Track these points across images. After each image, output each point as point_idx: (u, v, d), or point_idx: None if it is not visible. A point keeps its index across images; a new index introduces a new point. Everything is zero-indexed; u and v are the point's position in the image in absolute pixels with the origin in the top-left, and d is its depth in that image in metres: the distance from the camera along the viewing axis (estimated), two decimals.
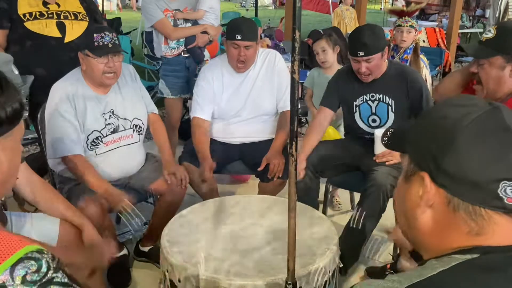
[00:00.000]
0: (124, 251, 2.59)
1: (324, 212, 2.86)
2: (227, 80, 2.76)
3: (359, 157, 2.61)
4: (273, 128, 2.83)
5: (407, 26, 3.40)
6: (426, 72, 3.45)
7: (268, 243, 1.81)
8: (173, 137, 3.54)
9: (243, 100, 2.76)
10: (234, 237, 1.86)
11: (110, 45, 2.25)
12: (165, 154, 2.57)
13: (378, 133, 2.48)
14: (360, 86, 2.58)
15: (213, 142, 2.76)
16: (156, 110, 2.68)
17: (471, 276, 0.72)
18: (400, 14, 3.54)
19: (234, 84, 2.76)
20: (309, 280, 1.61)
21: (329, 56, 3.29)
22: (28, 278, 0.81)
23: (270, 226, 1.94)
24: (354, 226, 2.38)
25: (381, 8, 16.94)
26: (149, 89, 5.08)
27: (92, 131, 2.35)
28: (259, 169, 2.64)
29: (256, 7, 9.91)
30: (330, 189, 2.97)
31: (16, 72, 1.82)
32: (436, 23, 8.74)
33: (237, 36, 2.58)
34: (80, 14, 2.88)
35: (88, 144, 2.36)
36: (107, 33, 2.26)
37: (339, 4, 7.59)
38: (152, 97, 3.03)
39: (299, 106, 2.40)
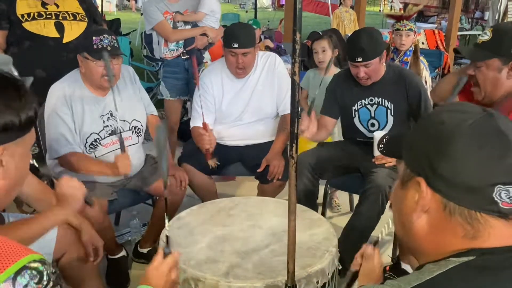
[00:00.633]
0: (123, 253, 2.58)
1: (323, 213, 2.85)
2: (227, 85, 2.76)
3: (358, 159, 2.61)
4: (273, 130, 2.83)
5: (405, 29, 3.40)
6: (426, 74, 3.46)
7: (267, 245, 1.80)
8: (172, 139, 3.54)
9: (244, 104, 2.76)
10: (233, 239, 1.86)
11: (109, 48, 2.24)
12: None
13: (377, 135, 2.48)
14: (358, 90, 2.58)
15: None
16: (155, 112, 2.67)
17: (468, 278, 0.73)
18: (398, 18, 3.55)
19: (235, 89, 2.76)
20: (308, 282, 1.61)
21: (327, 56, 3.29)
22: None
23: (269, 228, 1.93)
24: (353, 223, 2.38)
25: (380, 10, 16.96)
26: (148, 90, 5.07)
27: (90, 134, 2.35)
28: (258, 170, 2.63)
29: (255, 8, 9.92)
30: (329, 191, 2.96)
31: (16, 73, 1.82)
32: (435, 25, 8.76)
33: (233, 44, 2.57)
34: (79, 15, 2.87)
35: (86, 147, 2.35)
36: (106, 35, 2.25)
37: (339, 6, 7.60)
38: (151, 99, 3.03)
39: (299, 108, 2.39)
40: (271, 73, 2.77)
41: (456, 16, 6.97)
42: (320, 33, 5.94)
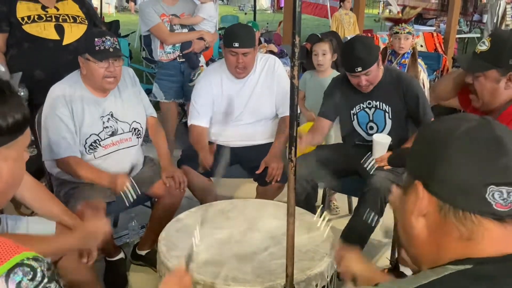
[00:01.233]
0: (121, 255, 2.57)
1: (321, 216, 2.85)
2: (226, 85, 2.76)
3: (357, 161, 2.61)
4: (272, 131, 2.83)
5: (404, 33, 3.41)
6: (424, 76, 3.46)
7: (266, 248, 1.80)
8: (169, 140, 3.53)
9: (242, 105, 2.76)
10: (232, 241, 1.85)
11: (111, 49, 2.24)
12: (164, 157, 2.57)
13: (376, 137, 2.48)
14: (356, 94, 2.58)
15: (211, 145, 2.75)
16: (154, 114, 2.67)
17: (463, 286, 0.73)
18: (396, 21, 3.55)
19: (234, 90, 2.76)
20: (307, 285, 1.60)
21: (327, 60, 3.30)
22: (23, 285, 0.80)
23: (268, 230, 1.93)
24: (352, 225, 2.39)
25: (378, 13, 16.98)
26: (147, 92, 5.05)
27: (90, 135, 2.34)
28: (257, 172, 2.63)
29: (254, 10, 9.91)
30: (328, 194, 2.96)
31: (3, 69, 1.81)
32: (433, 28, 8.76)
33: (234, 44, 2.57)
34: (79, 18, 2.88)
35: (86, 148, 2.35)
36: (108, 37, 2.25)
37: (338, 9, 7.61)
38: (150, 100, 3.03)
39: (298, 111, 2.39)
40: (270, 75, 2.77)
41: (454, 19, 6.98)
42: (319, 35, 5.95)
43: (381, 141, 2.43)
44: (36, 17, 2.73)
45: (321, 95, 2.76)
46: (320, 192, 2.79)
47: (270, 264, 1.69)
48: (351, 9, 7.56)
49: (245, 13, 13.96)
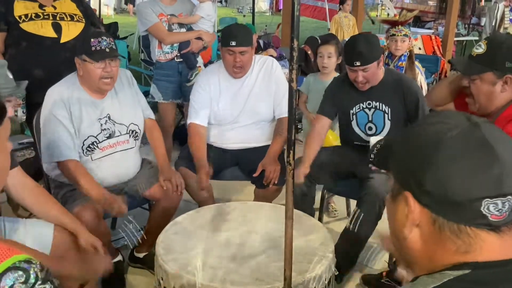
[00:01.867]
0: (119, 257, 2.57)
1: (320, 219, 2.85)
2: (224, 86, 2.76)
3: (355, 164, 2.61)
4: (269, 134, 2.83)
5: (401, 35, 3.41)
6: (421, 79, 3.47)
7: (264, 250, 1.80)
8: (167, 142, 3.52)
9: (240, 106, 2.76)
10: (230, 244, 1.85)
11: (107, 49, 2.24)
12: (161, 160, 2.56)
13: (374, 140, 2.47)
14: (356, 94, 2.59)
15: (209, 147, 2.75)
16: (152, 115, 2.67)
17: None
18: (393, 23, 3.56)
19: (231, 91, 2.76)
20: None
21: (332, 62, 3.30)
22: None
23: (266, 233, 1.93)
24: (351, 228, 2.38)
25: (377, 15, 17.00)
26: (146, 94, 5.04)
27: (88, 137, 2.34)
28: (254, 175, 2.63)
29: (253, 13, 9.94)
30: (326, 196, 2.96)
31: (11, 76, 1.82)
32: (432, 31, 8.78)
33: (231, 43, 2.58)
34: (77, 16, 2.88)
35: (83, 150, 2.34)
36: (104, 37, 2.25)
37: (338, 12, 7.62)
38: (148, 102, 3.02)
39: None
40: (267, 77, 2.77)
41: (452, 22, 7.00)
42: (318, 37, 5.96)
43: None
44: (33, 15, 2.74)
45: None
46: (318, 194, 2.79)
47: (268, 267, 1.68)
48: (350, 12, 7.57)
49: (244, 15, 13.97)
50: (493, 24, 6.06)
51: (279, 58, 5.59)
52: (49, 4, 2.81)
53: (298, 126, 4.90)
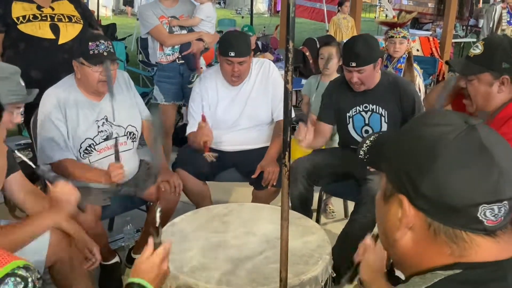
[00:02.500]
0: (116, 259, 2.56)
1: (317, 220, 2.85)
2: (222, 91, 2.76)
3: (353, 165, 2.60)
4: (268, 136, 2.83)
5: (399, 37, 3.42)
6: (419, 81, 3.47)
7: (261, 252, 1.80)
8: (166, 143, 3.53)
9: (239, 111, 2.76)
10: (227, 246, 1.85)
11: (105, 53, 2.24)
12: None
13: None
14: (353, 97, 2.59)
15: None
16: (150, 117, 2.66)
17: None
18: (392, 25, 3.57)
19: (229, 96, 2.76)
20: None
21: (333, 64, 3.30)
22: None
23: (263, 234, 1.93)
24: (349, 230, 2.39)
25: (375, 17, 17.03)
26: (144, 95, 5.06)
27: (85, 139, 2.34)
28: (253, 176, 2.63)
29: (251, 14, 9.93)
30: (324, 197, 2.96)
31: (23, 83, 1.83)
32: (430, 33, 8.79)
33: (230, 53, 2.58)
34: (74, 17, 2.88)
35: (81, 152, 2.34)
36: (102, 41, 2.25)
37: (337, 13, 7.63)
38: (146, 103, 3.03)
39: (292, 116, 2.39)
40: (265, 80, 2.77)
41: (450, 24, 7.00)
42: (316, 39, 5.97)
43: None
44: (31, 16, 2.73)
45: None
46: (316, 196, 2.79)
47: (265, 268, 1.68)
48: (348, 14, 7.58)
49: (242, 17, 13.96)
50: (491, 25, 6.07)
51: (277, 60, 5.60)
52: (47, 5, 2.81)
53: (296, 127, 4.91)
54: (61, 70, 2.48)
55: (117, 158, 2.27)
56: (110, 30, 7.65)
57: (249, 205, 2.30)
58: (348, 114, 2.63)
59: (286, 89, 1.03)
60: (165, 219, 2.36)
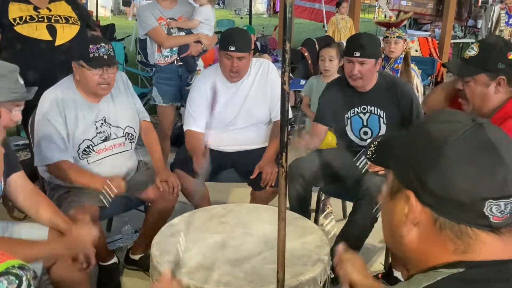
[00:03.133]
0: (114, 259, 2.56)
1: (316, 221, 2.85)
2: (220, 89, 2.76)
3: (352, 166, 2.61)
4: (266, 136, 2.83)
5: (394, 37, 3.43)
6: (417, 82, 3.47)
7: (259, 252, 1.80)
8: (165, 144, 3.53)
9: (237, 109, 2.76)
10: (225, 246, 1.85)
11: (105, 56, 2.24)
12: (157, 162, 2.56)
13: None
14: (351, 99, 2.59)
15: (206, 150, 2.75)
16: (148, 118, 2.67)
17: None
18: (387, 25, 3.57)
19: (228, 94, 2.76)
20: None
21: (334, 65, 3.31)
22: None
23: (261, 235, 1.93)
24: (347, 230, 2.40)
25: (374, 17, 17.04)
26: (142, 95, 5.07)
27: (83, 140, 2.34)
28: (251, 177, 2.63)
29: (250, 15, 9.93)
30: (322, 198, 2.96)
31: (22, 82, 1.83)
32: (428, 33, 8.80)
33: (230, 48, 2.58)
34: (72, 18, 2.87)
35: (79, 153, 2.34)
36: (103, 44, 2.24)
37: (335, 14, 7.64)
38: (144, 104, 3.03)
39: (290, 116, 2.39)
40: (264, 80, 2.77)
41: (449, 24, 7.01)
42: (315, 39, 5.97)
43: None
44: (28, 17, 2.72)
45: None
46: (315, 196, 2.79)
47: (263, 269, 1.68)
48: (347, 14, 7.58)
49: (241, 17, 13.95)
50: (489, 26, 6.08)
51: (275, 61, 5.61)
52: (44, 6, 2.80)
53: (295, 128, 4.91)
54: (58, 71, 2.48)
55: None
56: (109, 31, 7.64)
57: (247, 206, 2.30)
58: (346, 116, 2.63)
59: (283, 90, 1.03)
60: (163, 220, 2.36)
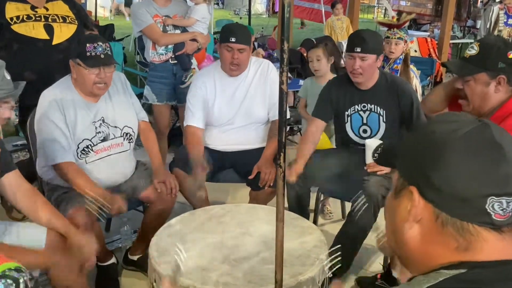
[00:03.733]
0: (113, 260, 2.56)
1: (315, 221, 2.85)
2: (220, 87, 2.76)
3: (351, 166, 2.61)
4: (264, 136, 2.83)
5: (395, 38, 3.42)
6: (416, 82, 3.47)
7: (258, 253, 1.80)
8: (162, 144, 3.52)
9: (236, 108, 2.76)
10: (224, 246, 1.85)
11: (102, 55, 2.23)
12: (155, 162, 2.56)
13: (370, 142, 2.48)
14: (351, 96, 2.59)
15: (204, 149, 2.75)
16: (146, 118, 2.66)
17: None
18: (389, 26, 3.57)
19: (227, 91, 2.76)
20: None
21: (323, 65, 3.30)
22: None
23: (260, 235, 1.93)
24: (345, 230, 2.41)
25: (373, 18, 17.06)
26: (141, 96, 5.05)
27: (83, 140, 2.33)
28: (250, 177, 2.63)
29: (249, 15, 9.94)
30: (321, 198, 2.96)
31: (8, 77, 1.81)
32: (428, 33, 8.81)
33: (231, 39, 2.59)
34: (69, 18, 2.86)
35: (78, 153, 2.33)
36: (100, 43, 2.23)
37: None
38: (143, 105, 3.02)
39: (288, 116, 2.40)
40: (263, 79, 2.77)
41: (448, 25, 7.02)
42: (314, 40, 5.97)
43: (374, 146, 2.43)
44: (25, 17, 2.71)
45: None
46: (313, 196, 2.79)
47: (262, 269, 1.68)
48: (345, 14, 7.59)
49: (240, 17, 13.97)
50: (488, 26, 6.09)
51: (268, 57, 5.61)
52: (41, 5, 2.79)
53: (294, 129, 4.91)
54: (55, 70, 2.47)
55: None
56: (108, 31, 7.64)
57: (246, 206, 2.30)
58: (346, 113, 2.63)
59: (281, 90, 1.03)
60: (161, 220, 2.36)
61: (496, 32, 5.87)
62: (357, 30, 2.67)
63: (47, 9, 2.80)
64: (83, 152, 2.35)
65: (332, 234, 2.56)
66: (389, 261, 2.56)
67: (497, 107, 1.82)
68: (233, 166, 2.85)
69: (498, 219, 0.73)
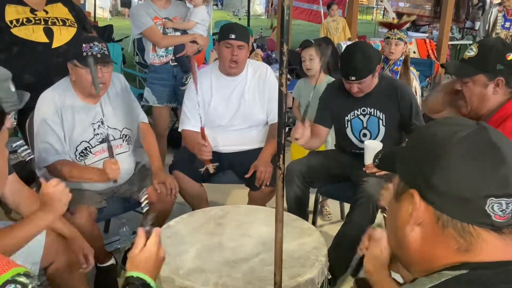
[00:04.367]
0: (112, 261, 2.56)
1: (313, 222, 2.85)
2: (216, 86, 2.77)
3: (349, 167, 2.61)
4: (263, 136, 2.84)
5: (395, 38, 3.43)
6: (416, 84, 3.48)
7: (257, 254, 1.80)
8: (161, 145, 3.52)
9: (232, 108, 2.77)
10: (223, 248, 1.85)
11: (98, 55, 2.23)
12: (155, 163, 2.56)
13: (368, 143, 2.48)
14: (351, 101, 2.59)
15: None
16: (146, 119, 2.67)
17: None
18: (389, 26, 3.57)
19: (223, 91, 2.76)
20: None
21: (315, 64, 3.30)
22: None
23: (259, 236, 1.93)
24: (344, 232, 2.41)
25: (372, 19, 17.07)
26: (140, 97, 5.05)
27: (81, 142, 2.33)
28: (246, 176, 2.63)
29: (248, 16, 9.96)
30: (320, 199, 2.97)
31: (13, 89, 1.81)
32: (426, 35, 8.82)
33: (230, 36, 2.61)
34: (69, 21, 2.86)
35: (76, 155, 2.34)
36: (96, 43, 2.23)
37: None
38: (142, 106, 3.02)
39: (287, 119, 2.39)
40: (262, 82, 2.78)
41: (447, 26, 7.04)
42: (312, 41, 5.97)
43: (373, 147, 2.44)
44: (24, 20, 2.71)
45: (316, 102, 2.76)
46: (312, 197, 2.79)
47: (261, 271, 1.68)
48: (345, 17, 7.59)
49: (239, 19, 13.97)
50: (486, 28, 6.10)
51: (267, 58, 5.61)
52: (41, 8, 2.78)
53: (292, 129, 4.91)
54: (55, 74, 2.46)
55: (111, 154, 2.26)
56: (107, 32, 7.64)
57: (245, 207, 2.30)
58: (346, 118, 2.64)
59: (280, 92, 1.03)
60: (161, 221, 2.36)
61: (494, 34, 5.88)
62: (348, 52, 2.51)
63: (46, 12, 2.80)
64: (82, 154, 2.35)
65: (331, 235, 2.56)
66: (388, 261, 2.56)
67: (496, 109, 1.82)
68: (232, 167, 2.85)
69: (498, 220, 0.73)
